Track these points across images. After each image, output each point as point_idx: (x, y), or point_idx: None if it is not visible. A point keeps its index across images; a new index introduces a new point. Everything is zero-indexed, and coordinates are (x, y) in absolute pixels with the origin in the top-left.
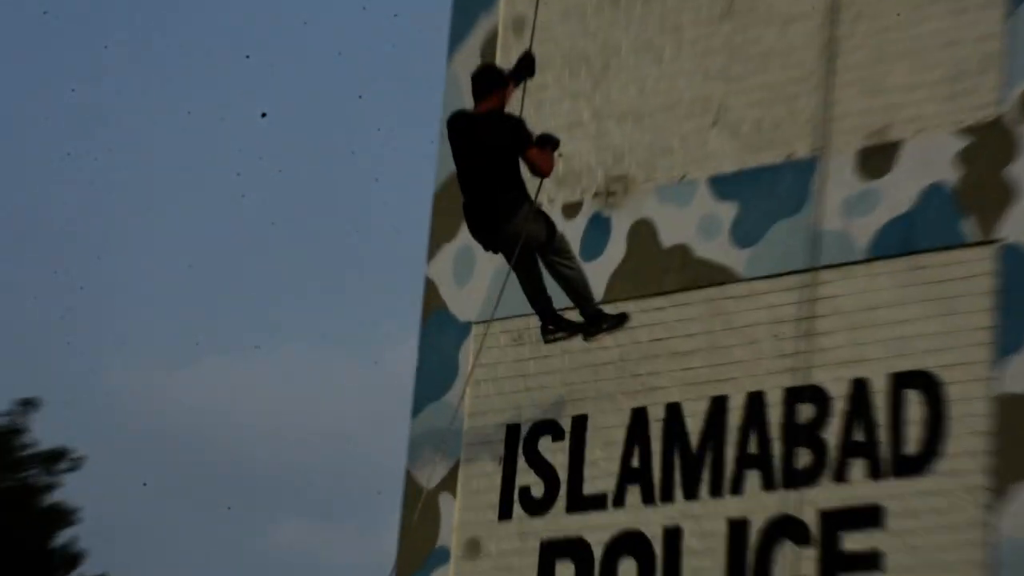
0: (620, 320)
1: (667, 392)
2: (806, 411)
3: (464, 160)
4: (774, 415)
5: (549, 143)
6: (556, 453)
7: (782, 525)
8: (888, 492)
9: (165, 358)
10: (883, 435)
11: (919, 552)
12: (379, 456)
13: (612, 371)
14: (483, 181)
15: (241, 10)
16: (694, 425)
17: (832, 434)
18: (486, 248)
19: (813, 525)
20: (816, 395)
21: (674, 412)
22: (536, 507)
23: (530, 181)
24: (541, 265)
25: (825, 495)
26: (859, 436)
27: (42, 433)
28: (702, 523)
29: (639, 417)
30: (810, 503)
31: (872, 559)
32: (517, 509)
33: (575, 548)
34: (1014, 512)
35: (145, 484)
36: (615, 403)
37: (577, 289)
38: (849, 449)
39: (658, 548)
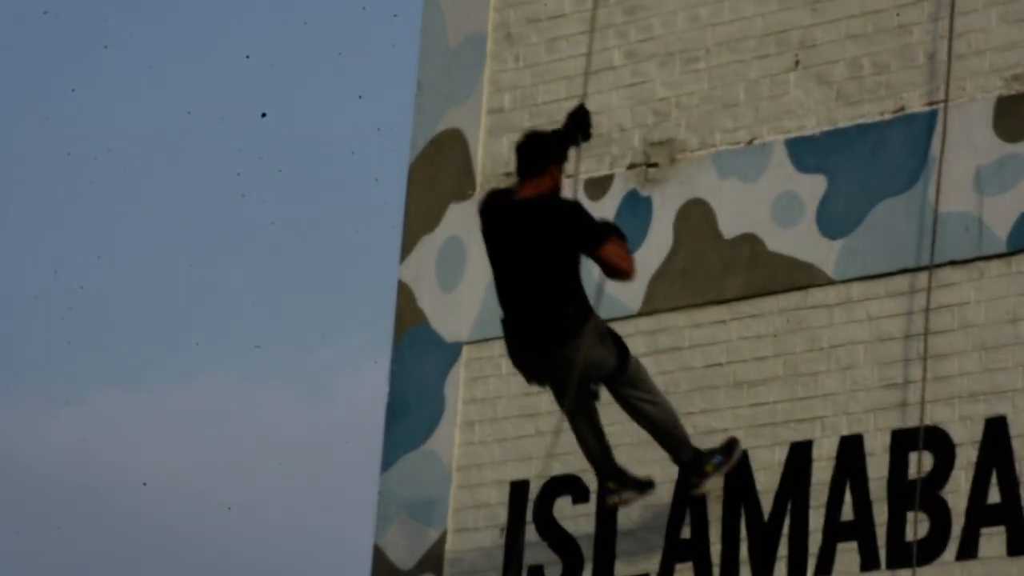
0: (732, 450)
1: (730, 433)
2: (922, 462)
3: (506, 260)
4: (877, 467)
5: (580, 125)
6: (579, 520)
7: None
8: None
9: (49, 392)
10: None
11: None
12: (336, 526)
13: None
14: (533, 289)
15: (241, 10)
16: (767, 481)
17: (958, 493)
18: (529, 380)
19: None
20: (936, 440)
21: (740, 463)
22: None
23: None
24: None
25: None
26: (995, 496)
27: None
28: None
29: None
30: None
31: None
32: None
33: None
34: None
35: None
36: (658, 450)
37: (665, 430)
38: (981, 514)
39: None
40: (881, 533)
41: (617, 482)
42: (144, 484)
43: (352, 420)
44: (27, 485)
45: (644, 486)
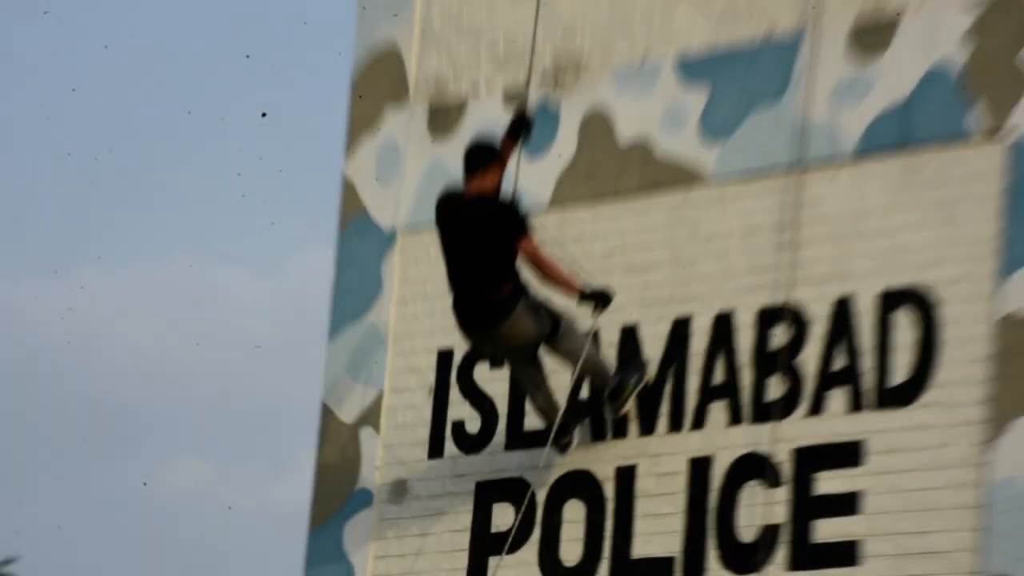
0: (642, 372)
1: (623, 312)
2: (781, 334)
3: (452, 250)
4: (744, 339)
5: (522, 127)
6: (494, 382)
7: (750, 464)
8: (871, 427)
9: (29, 267)
10: (868, 362)
11: (904, 494)
12: (289, 386)
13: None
14: (473, 274)
15: (241, 10)
16: (653, 350)
17: (810, 361)
18: (481, 354)
19: (785, 464)
20: (793, 316)
21: (630, 335)
22: (471, 444)
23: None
24: (546, 361)
25: (799, 430)
26: (840, 363)
27: None
28: (659, 462)
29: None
30: (782, 439)
31: (850, 502)
32: (449, 446)
33: (515, 490)
34: (1012, 449)
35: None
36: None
37: (594, 369)
38: (829, 378)
39: (609, 491)
40: (746, 394)
41: (566, 432)
42: (123, 351)
43: (303, 296)
44: (11, 357)
45: (638, 371)
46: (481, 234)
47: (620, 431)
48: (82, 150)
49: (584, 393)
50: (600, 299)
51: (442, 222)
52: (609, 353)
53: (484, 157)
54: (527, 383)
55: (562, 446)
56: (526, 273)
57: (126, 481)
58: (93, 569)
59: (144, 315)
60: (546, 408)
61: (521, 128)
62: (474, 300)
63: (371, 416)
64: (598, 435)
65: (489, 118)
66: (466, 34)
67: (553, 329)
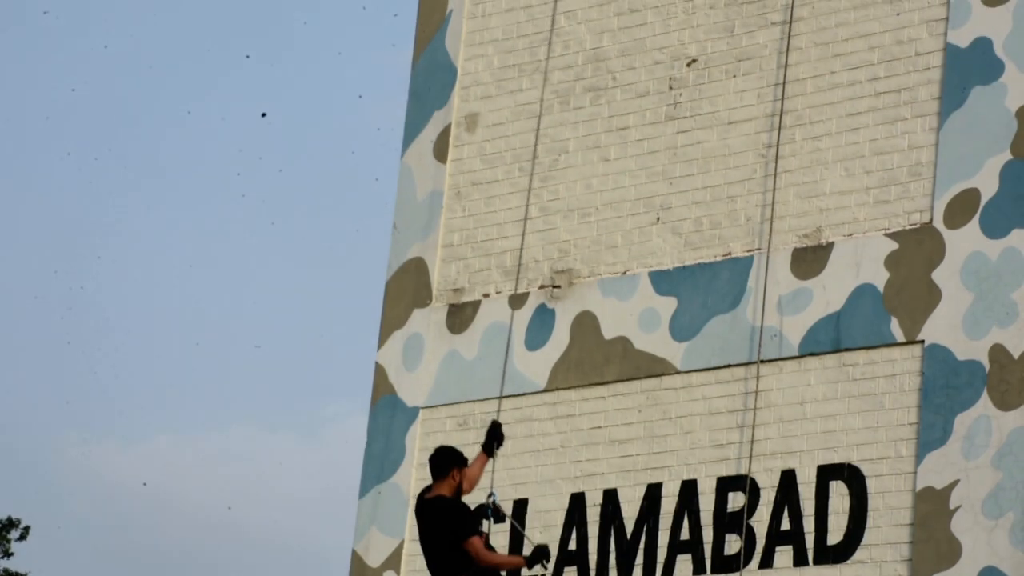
0: None
1: (605, 478)
2: (737, 500)
3: (423, 542)
4: (706, 503)
5: (495, 439)
6: (496, 535)
7: None
8: None
9: (118, 434)
10: (809, 524)
11: None
12: (326, 536)
13: (553, 457)
14: (439, 563)
15: (241, 10)
16: (630, 511)
17: (761, 522)
18: None
19: None
20: (748, 485)
21: (611, 497)
22: None
23: None
24: None
25: None
26: (786, 525)
27: None
28: None
29: (577, 502)
30: None
31: None
32: None
33: None
34: None
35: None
36: (555, 488)
37: None
38: (776, 537)
39: None
40: (708, 549)
41: None
42: (191, 505)
43: (339, 459)
44: (99, 508)
45: None
46: (439, 532)
47: None
48: (82, 151)
49: None
50: (541, 555)
51: (417, 518)
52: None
53: (445, 464)
54: None
55: None
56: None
57: None
58: None
59: (206, 476)
60: None
61: (494, 442)
62: None
63: (393, 561)
64: None
65: (497, 316)
66: (479, 250)
67: None
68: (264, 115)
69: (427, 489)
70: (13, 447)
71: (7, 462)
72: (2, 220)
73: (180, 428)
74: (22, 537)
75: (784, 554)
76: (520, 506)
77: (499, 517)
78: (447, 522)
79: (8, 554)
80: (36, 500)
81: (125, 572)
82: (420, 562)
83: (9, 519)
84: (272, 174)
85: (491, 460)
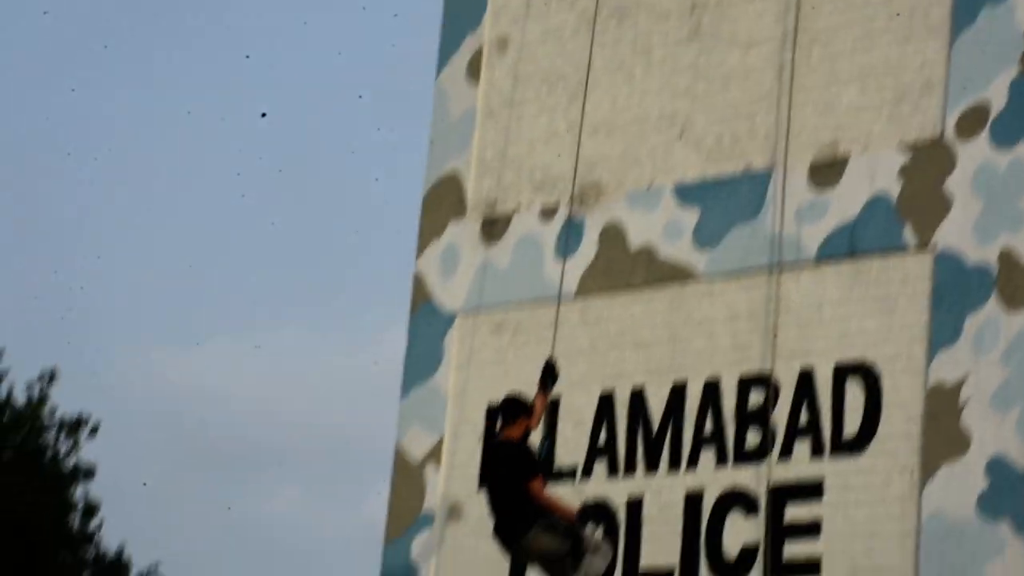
0: None
1: (632, 378)
2: (757, 397)
3: (489, 483)
4: (728, 400)
5: (550, 377)
6: (532, 432)
7: (733, 497)
8: (829, 469)
9: (172, 342)
10: (826, 419)
11: (855, 522)
12: (370, 433)
13: (583, 359)
14: (503, 503)
15: (241, 10)
16: (656, 408)
17: (780, 418)
18: (518, 563)
19: (761, 497)
20: (767, 383)
21: (638, 396)
22: None
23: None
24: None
25: (772, 471)
26: (804, 420)
27: (62, 403)
28: (661, 495)
29: (606, 400)
30: (758, 478)
31: (813, 527)
32: None
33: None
34: (939, 488)
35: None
36: (586, 387)
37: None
38: (795, 431)
39: (621, 516)
40: (730, 443)
41: None
42: (242, 404)
43: (382, 361)
44: (159, 409)
45: None
46: (504, 472)
47: (631, 470)
48: (82, 151)
49: None
50: (584, 528)
51: (484, 460)
52: (621, 412)
53: (515, 411)
54: None
55: None
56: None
57: (241, 502)
58: (218, 568)
59: (260, 376)
60: None
61: (549, 380)
62: (505, 521)
63: (434, 456)
64: (613, 472)
65: (528, 227)
66: (511, 165)
67: (574, 551)
68: (264, 115)
69: (498, 433)
70: (82, 351)
71: (77, 365)
72: (2, 219)
73: (235, 331)
74: (92, 433)
75: (802, 447)
76: (552, 406)
77: (554, 376)
78: (512, 464)
79: (76, 449)
80: (103, 400)
81: (184, 464)
82: (459, 457)
83: (79, 417)
84: (272, 174)
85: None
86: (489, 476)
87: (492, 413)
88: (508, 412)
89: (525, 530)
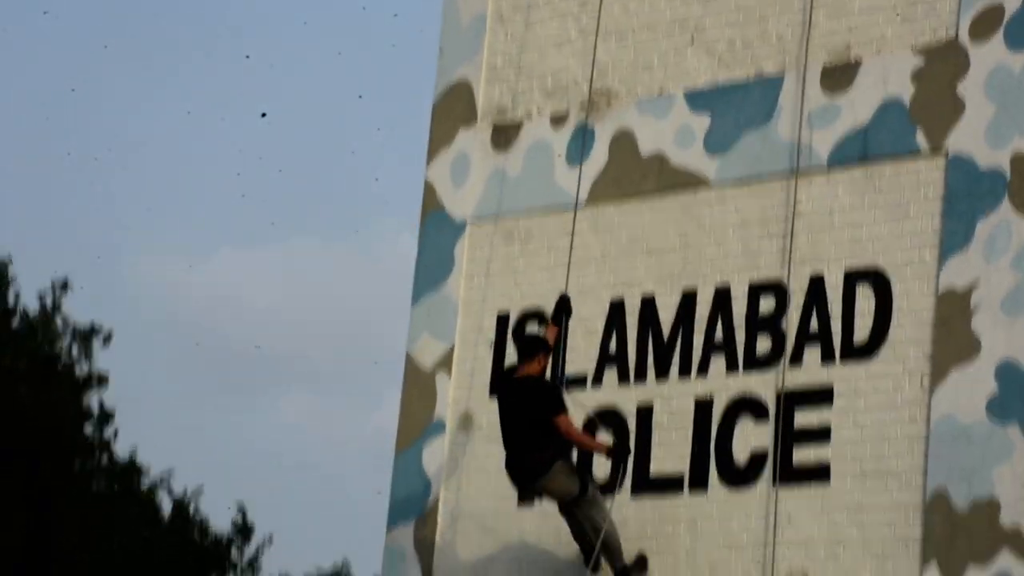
0: (644, 566)
1: (643, 286)
2: (767, 303)
3: (505, 419)
4: (738, 307)
5: (563, 312)
6: (540, 329)
7: (743, 404)
8: (839, 375)
9: (185, 252)
10: (837, 325)
11: (864, 427)
12: (382, 342)
13: (594, 267)
14: (521, 440)
15: (241, 10)
16: (666, 315)
17: (791, 324)
18: (527, 500)
19: (771, 404)
20: (777, 289)
21: (648, 304)
22: None
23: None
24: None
25: (782, 378)
26: (815, 326)
27: (75, 312)
28: (671, 402)
29: (617, 308)
30: (768, 384)
31: (823, 433)
32: None
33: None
34: (948, 393)
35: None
36: (596, 295)
37: (607, 542)
38: (805, 337)
39: (632, 423)
40: (740, 349)
41: (594, 569)
42: (254, 312)
43: (392, 271)
44: (172, 317)
45: (641, 569)
46: (526, 409)
47: (641, 377)
48: (82, 151)
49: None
50: (621, 452)
51: (499, 396)
52: (631, 324)
53: (534, 347)
54: (565, 519)
55: (591, 570)
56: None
57: (253, 410)
58: (230, 475)
59: (269, 284)
60: (579, 542)
61: (563, 315)
62: (520, 459)
63: (444, 364)
64: (623, 380)
65: (539, 135)
66: (522, 72)
67: (582, 491)
68: (264, 115)
69: (512, 369)
70: (95, 261)
71: (90, 275)
72: (3, 218)
73: (246, 241)
74: (105, 343)
75: (812, 352)
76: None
77: (568, 311)
78: (537, 398)
79: (88, 358)
80: (116, 309)
81: (197, 372)
82: (470, 365)
83: (92, 326)
84: (272, 173)
85: (561, 331)
86: (507, 412)
87: (502, 321)
88: (527, 349)
89: (545, 470)
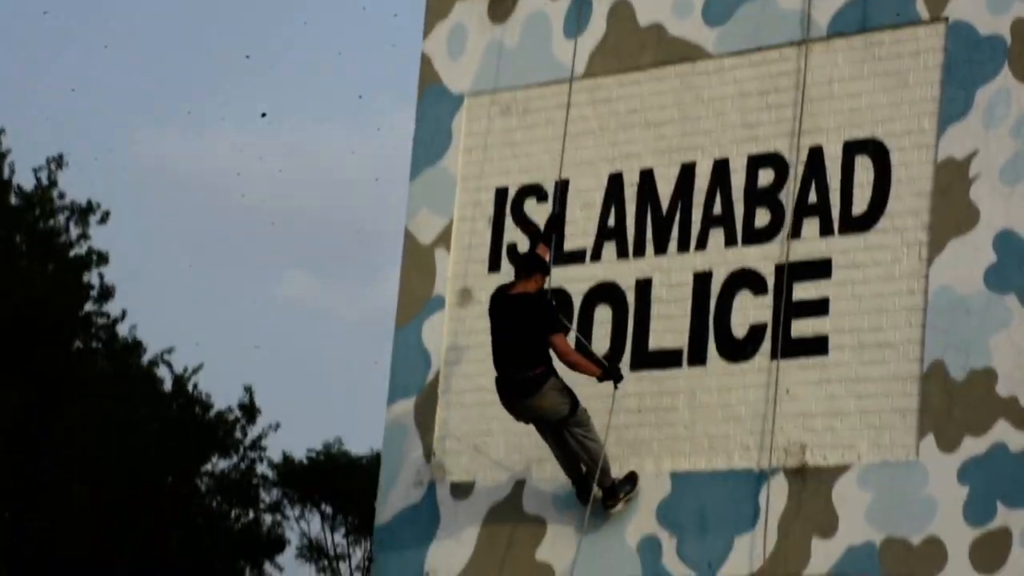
0: (633, 482)
1: (641, 159)
2: (766, 176)
3: (498, 336)
4: (737, 180)
5: (554, 229)
6: (540, 213)
7: (741, 277)
8: (837, 247)
9: (183, 126)
10: (835, 197)
11: (862, 299)
12: (379, 215)
13: (592, 140)
14: (513, 358)
15: (241, 10)
16: (665, 188)
17: (789, 196)
18: (517, 419)
19: (769, 277)
20: (776, 161)
21: (647, 177)
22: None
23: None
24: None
25: (781, 250)
26: (813, 198)
27: (71, 189)
28: (670, 275)
29: (615, 181)
30: (768, 257)
31: (821, 305)
32: (505, 263)
33: (556, 297)
34: (947, 263)
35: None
36: (594, 169)
37: (596, 460)
38: (804, 209)
39: (631, 297)
40: (739, 222)
41: (585, 492)
42: (254, 187)
43: (390, 146)
44: (170, 193)
45: (631, 483)
46: (520, 327)
47: (640, 251)
48: (82, 151)
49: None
50: (616, 375)
51: (493, 312)
52: (630, 192)
53: (532, 265)
54: (553, 449)
55: (582, 498)
56: (555, 360)
57: (254, 285)
58: (232, 350)
59: (265, 164)
60: (568, 471)
61: (552, 232)
62: (511, 377)
63: (443, 239)
64: (622, 254)
65: (536, 5)
66: None
67: (572, 410)
68: (264, 115)
69: (508, 286)
70: (91, 136)
71: (85, 152)
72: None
73: (244, 117)
74: (102, 221)
75: (811, 225)
76: (562, 187)
77: (559, 230)
78: (533, 317)
79: (86, 237)
80: (113, 186)
81: (197, 250)
82: (468, 240)
83: (89, 203)
84: (272, 173)
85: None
86: (500, 329)
87: (501, 195)
88: (524, 266)
89: (536, 388)
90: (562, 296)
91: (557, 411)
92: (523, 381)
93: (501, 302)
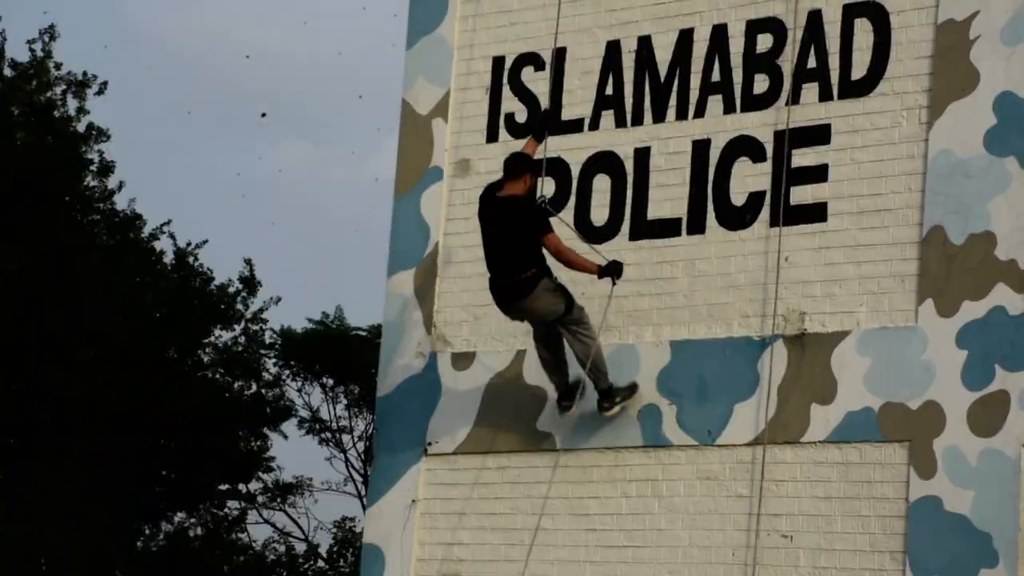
0: (633, 390)
1: (639, 26)
2: (765, 41)
3: (489, 238)
4: (736, 45)
5: (544, 125)
6: (537, 83)
7: (740, 144)
8: (836, 112)
9: None
10: (834, 61)
11: (862, 164)
12: (375, 84)
13: (589, 6)
14: (505, 259)
15: (241, 10)
16: (663, 56)
17: (788, 61)
18: (512, 320)
19: (768, 144)
20: (775, 26)
21: (645, 44)
22: (519, 131)
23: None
24: (563, 338)
25: (780, 116)
26: (812, 63)
27: (66, 60)
28: (669, 144)
29: (613, 49)
30: (766, 124)
31: (820, 172)
32: (503, 133)
33: (555, 167)
34: (946, 127)
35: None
36: (592, 37)
37: (594, 361)
38: (803, 75)
39: (629, 166)
40: (738, 89)
41: (568, 399)
42: (249, 53)
43: (386, 13)
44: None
45: (630, 391)
46: (512, 228)
47: (638, 120)
48: None
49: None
50: (614, 271)
51: (482, 214)
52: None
53: (519, 166)
54: (541, 351)
55: (562, 408)
56: (548, 259)
57: (250, 154)
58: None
59: (266, 28)
60: (553, 376)
61: (544, 129)
62: (505, 279)
63: (441, 109)
64: (620, 123)
65: None
66: None
67: (567, 310)
68: (264, 115)
69: (498, 187)
70: (82, 7)
71: (78, 19)
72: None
73: None
74: (99, 93)
75: (810, 91)
76: (560, 55)
77: (551, 125)
78: (524, 218)
79: (84, 111)
80: (108, 59)
81: (193, 121)
82: (466, 109)
83: (85, 75)
84: (272, 172)
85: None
86: (491, 231)
87: (498, 64)
88: (513, 167)
89: (529, 289)
90: (560, 165)
91: (552, 311)
92: (515, 284)
93: (490, 204)
